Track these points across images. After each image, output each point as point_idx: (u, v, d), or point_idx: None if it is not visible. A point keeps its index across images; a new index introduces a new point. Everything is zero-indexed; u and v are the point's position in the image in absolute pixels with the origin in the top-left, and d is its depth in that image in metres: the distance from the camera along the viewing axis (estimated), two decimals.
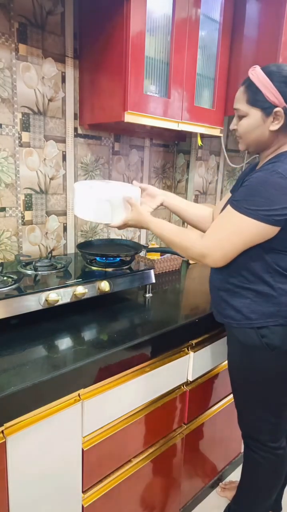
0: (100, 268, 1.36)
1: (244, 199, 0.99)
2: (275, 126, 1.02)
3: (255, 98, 1.01)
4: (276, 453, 1.23)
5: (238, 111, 1.07)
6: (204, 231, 1.40)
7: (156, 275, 1.53)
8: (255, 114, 1.03)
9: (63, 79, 1.51)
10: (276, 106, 1.00)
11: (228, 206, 1.04)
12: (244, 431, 1.29)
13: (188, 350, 1.29)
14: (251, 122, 1.04)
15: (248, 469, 1.32)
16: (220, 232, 1.06)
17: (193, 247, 1.09)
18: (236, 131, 1.10)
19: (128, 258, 1.46)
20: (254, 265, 1.07)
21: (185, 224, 1.39)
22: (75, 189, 1.24)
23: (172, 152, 2.05)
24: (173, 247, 1.15)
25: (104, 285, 1.24)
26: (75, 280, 1.21)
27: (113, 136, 1.74)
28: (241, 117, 1.06)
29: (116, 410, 1.09)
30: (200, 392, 1.39)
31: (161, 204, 1.31)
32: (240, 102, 1.05)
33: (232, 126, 1.11)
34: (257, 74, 1.01)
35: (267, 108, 1.01)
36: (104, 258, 1.41)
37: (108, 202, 1.18)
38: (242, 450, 1.75)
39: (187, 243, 1.10)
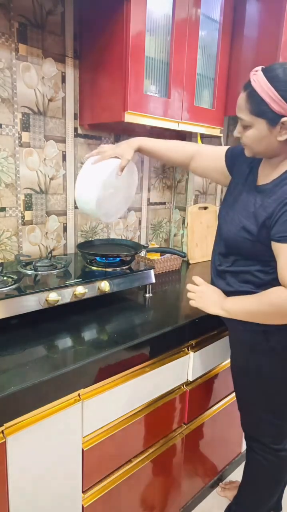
0: (100, 268, 1.36)
1: None
2: (284, 136, 0.95)
3: (259, 108, 0.94)
4: (279, 455, 1.23)
5: (241, 121, 0.99)
6: (177, 166, 1.35)
7: (156, 275, 1.53)
8: (260, 124, 0.96)
9: (63, 79, 1.51)
10: (283, 116, 0.93)
11: (284, 244, 0.97)
12: (247, 432, 1.29)
13: (188, 350, 1.29)
14: (256, 134, 0.97)
15: (250, 470, 1.31)
16: None
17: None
18: (241, 138, 1.03)
19: (128, 258, 1.46)
20: (264, 276, 1.05)
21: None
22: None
23: None
24: (265, 318, 1.04)
25: (104, 285, 1.24)
26: (75, 280, 1.21)
27: (113, 136, 1.74)
28: (245, 127, 1.00)
29: (116, 410, 1.09)
30: (200, 392, 1.39)
31: (138, 149, 1.25)
32: (243, 112, 0.97)
33: (236, 134, 1.03)
34: (259, 81, 0.92)
35: (272, 118, 0.94)
36: (104, 258, 1.41)
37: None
38: (242, 450, 1.75)
39: (278, 301, 0.98)
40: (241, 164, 1.16)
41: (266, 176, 1.06)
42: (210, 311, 1.14)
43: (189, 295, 1.19)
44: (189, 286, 1.19)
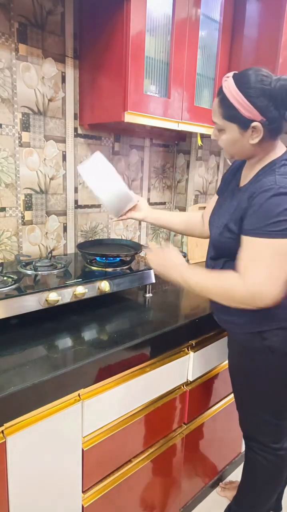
0: (100, 268, 1.36)
1: (265, 224, 0.93)
2: (255, 140, 0.98)
3: (230, 113, 0.97)
4: (278, 454, 1.23)
5: (216, 125, 1.04)
6: (196, 236, 1.40)
7: (156, 275, 1.53)
8: (232, 129, 1.00)
9: (63, 79, 1.51)
10: (253, 120, 0.96)
11: (249, 238, 0.97)
12: (245, 432, 1.29)
13: (188, 350, 1.29)
14: (229, 138, 1.01)
15: (249, 470, 1.31)
16: (263, 263, 0.94)
17: (239, 290, 0.96)
18: (217, 141, 1.07)
19: (128, 258, 1.46)
20: None
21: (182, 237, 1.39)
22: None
23: (172, 152, 2.05)
24: (215, 297, 1.06)
25: (104, 285, 1.24)
26: (75, 280, 1.21)
27: (113, 136, 1.74)
28: (220, 130, 1.04)
29: (116, 410, 1.09)
30: (200, 392, 1.39)
31: (143, 219, 1.33)
32: (217, 116, 1.02)
33: (212, 137, 1.08)
34: (229, 87, 0.96)
35: (243, 122, 0.97)
36: (104, 258, 1.41)
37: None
38: (242, 450, 1.75)
39: (229, 286, 0.99)
40: (227, 178, 1.21)
41: (245, 177, 1.10)
42: (168, 274, 1.10)
43: (147, 252, 1.15)
44: (151, 244, 1.17)
